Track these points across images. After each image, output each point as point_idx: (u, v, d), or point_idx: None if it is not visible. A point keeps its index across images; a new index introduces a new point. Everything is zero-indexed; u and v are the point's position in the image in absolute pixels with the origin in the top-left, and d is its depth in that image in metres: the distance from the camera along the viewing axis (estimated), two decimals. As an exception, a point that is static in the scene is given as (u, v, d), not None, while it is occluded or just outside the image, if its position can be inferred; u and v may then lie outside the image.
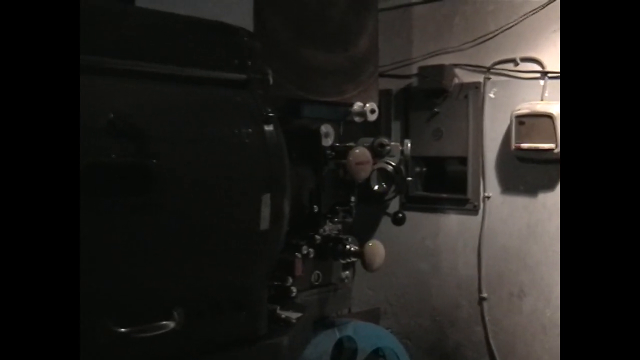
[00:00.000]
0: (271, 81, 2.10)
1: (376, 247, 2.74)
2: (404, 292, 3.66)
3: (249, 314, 2.04)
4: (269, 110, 2.02)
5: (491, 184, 3.32)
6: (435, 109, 3.48)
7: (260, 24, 2.54)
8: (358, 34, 3.04)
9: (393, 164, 3.13)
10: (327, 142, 2.69)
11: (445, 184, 3.57)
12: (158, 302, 1.76)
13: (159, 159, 1.66)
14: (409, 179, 3.32)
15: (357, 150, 2.68)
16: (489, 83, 3.30)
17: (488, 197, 3.33)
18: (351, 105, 2.92)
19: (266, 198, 1.95)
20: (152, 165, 1.64)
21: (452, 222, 3.48)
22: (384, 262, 2.74)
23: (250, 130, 1.95)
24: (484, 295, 3.35)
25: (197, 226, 1.80)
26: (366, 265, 2.73)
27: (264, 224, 1.95)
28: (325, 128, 2.69)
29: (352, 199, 2.80)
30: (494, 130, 3.29)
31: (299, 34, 2.74)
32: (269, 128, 2.01)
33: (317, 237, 2.70)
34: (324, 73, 2.85)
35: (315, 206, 2.62)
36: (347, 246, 2.76)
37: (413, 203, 3.60)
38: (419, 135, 3.52)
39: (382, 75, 3.38)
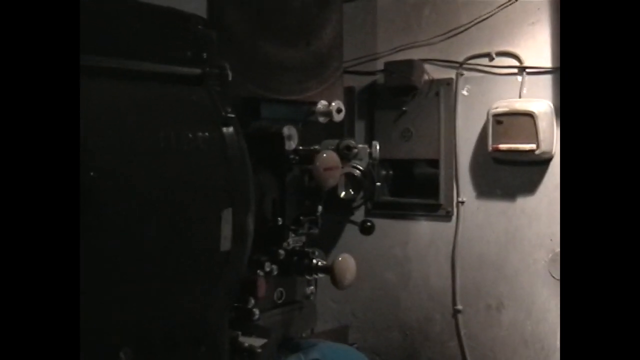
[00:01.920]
0: (230, 76, 1.82)
1: (347, 262, 2.48)
2: (371, 305, 3.40)
3: (209, 348, 1.75)
4: (229, 110, 1.73)
5: (465, 188, 3.09)
6: (404, 108, 3.23)
7: (215, 15, 2.24)
8: (321, 26, 2.78)
9: (361, 168, 2.87)
10: (290, 145, 2.41)
11: (415, 189, 3.33)
12: (101, 342, 1.46)
13: (97, 171, 1.35)
14: (378, 184, 3.06)
15: (325, 155, 2.41)
16: (461, 79, 3.07)
17: (462, 202, 3.10)
18: (315, 104, 2.65)
19: (227, 214, 1.66)
20: (89, 180, 1.33)
21: (423, 229, 3.25)
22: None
23: (207, 134, 1.66)
24: (459, 307, 3.11)
25: (145, 250, 1.50)
26: (336, 282, 2.47)
27: (225, 244, 1.66)
28: (288, 130, 2.41)
29: (319, 208, 2.53)
30: (467, 130, 3.07)
31: (257, 26, 2.47)
32: (228, 131, 1.72)
33: (281, 252, 2.42)
34: (284, 69, 2.59)
35: (279, 218, 2.33)
36: (314, 261, 2.50)
37: (380, 209, 3.35)
38: (386, 136, 3.27)
39: (344, 71, 3.12)
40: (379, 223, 3.24)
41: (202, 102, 1.68)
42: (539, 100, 2.78)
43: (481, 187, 3.05)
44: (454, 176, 3.12)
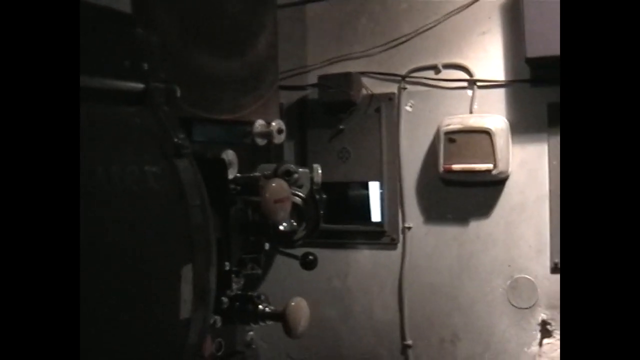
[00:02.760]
0: (178, 92, 1.44)
1: (300, 307, 2.16)
2: (308, 344, 3.06)
3: None
4: (181, 136, 1.35)
5: (412, 213, 2.83)
6: (340, 126, 2.93)
7: (141, 17, 1.84)
8: (255, 34, 2.45)
9: (302, 195, 2.53)
10: (232, 173, 2.05)
11: (355, 214, 3.03)
12: None
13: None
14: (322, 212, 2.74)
15: (274, 185, 2.08)
16: (404, 94, 2.82)
17: (409, 228, 2.83)
18: (251, 123, 2.31)
19: (187, 271, 1.28)
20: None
21: (365, 258, 2.96)
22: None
23: (157, 168, 1.27)
24: (409, 342, 2.85)
25: (86, 324, 1.10)
26: (290, 330, 2.15)
27: (185, 309, 1.28)
28: (228, 155, 2.05)
29: (266, 245, 2.18)
30: (412, 150, 2.81)
31: (188, 32, 2.09)
32: (183, 163, 1.34)
33: (224, 299, 2.06)
34: (218, 83, 2.23)
35: (226, 263, 1.96)
36: (260, 307, 2.14)
37: (315, 238, 3.02)
38: (321, 157, 2.95)
39: (277, 86, 2.81)
40: (316, 253, 2.93)
41: (147, 126, 1.30)
42: (494, 116, 2.57)
43: (430, 211, 2.80)
44: (398, 200, 2.85)
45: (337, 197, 3.08)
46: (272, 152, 3.08)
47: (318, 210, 2.56)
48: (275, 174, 2.43)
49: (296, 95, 3.05)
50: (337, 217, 3.07)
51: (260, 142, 2.31)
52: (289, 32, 3.04)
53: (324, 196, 3.05)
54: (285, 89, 3.04)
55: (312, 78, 2.95)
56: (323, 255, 2.96)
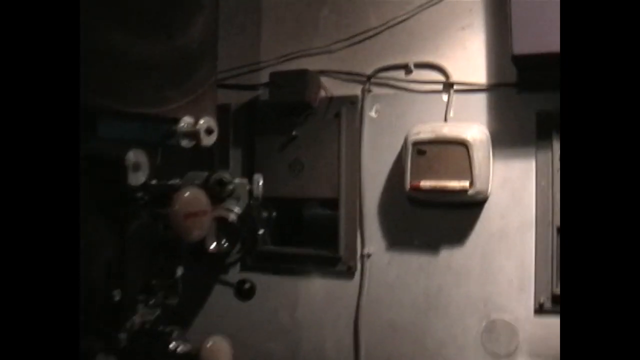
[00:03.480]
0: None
1: (219, 349, 1.73)
2: (249, 385, 2.62)
3: None
4: None
5: (373, 237, 2.41)
6: (294, 132, 2.53)
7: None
8: (190, 13, 2.02)
9: (237, 211, 2.11)
10: (138, 179, 1.61)
11: (307, 236, 2.61)
12: None
13: None
14: (261, 231, 2.31)
15: (188, 194, 1.66)
16: (369, 97, 2.42)
17: (368, 255, 2.42)
18: (177, 121, 1.88)
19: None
20: None
21: (317, 288, 2.53)
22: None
23: None
24: (364, 389, 2.41)
25: None
26: (204, 379, 1.69)
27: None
28: (134, 156, 1.62)
29: (179, 270, 1.74)
30: (376, 162, 2.41)
31: (98, 10, 1.67)
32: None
33: (122, 336, 1.61)
34: (136, 69, 1.82)
35: (114, 292, 1.52)
36: (172, 345, 1.72)
37: (261, 262, 2.60)
38: (270, 168, 2.55)
39: (218, 84, 2.39)
40: (260, 279, 2.50)
41: None
42: (472, 125, 2.17)
43: (394, 235, 2.39)
44: (357, 221, 2.43)
45: (288, 215, 2.67)
46: (215, 159, 2.67)
47: (255, 229, 2.14)
48: (206, 184, 2.01)
49: (246, 96, 2.64)
50: (287, 239, 2.66)
51: (186, 143, 1.89)
52: (242, 22, 2.65)
53: (274, 213, 2.65)
54: (234, 88, 2.64)
55: (266, 76, 2.53)
56: (269, 282, 2.58)
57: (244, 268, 2.60)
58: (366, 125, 2.42)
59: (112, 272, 1.55)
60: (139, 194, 1.64)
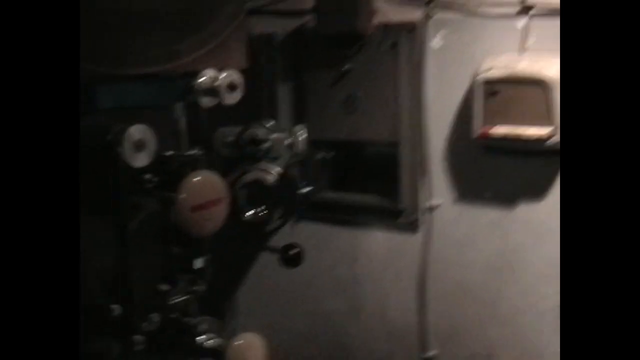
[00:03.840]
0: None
1: (249, 347, 1.50)
2: (305, 339, 2.44)
3: None
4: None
5: (439, 187, 2.13)
6: (346, 66, 2.18)
7: None
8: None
9: (275, 171, 1.84)
10: (142, 159, 1.35)
11: (366, 183, 2.32)
12: None
13: None
14: (306, 189, 2.04)
15: (196, 180, 1.38)
16: (432, 23, 2.05)
17: (434, 207, 2.10)
18: (194, 75, 1.60)
19: None
20: None
21: (378, 242, 2.29)
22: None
23: None
24: (431, 354, 2.21)
25: None
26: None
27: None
28: (135, 133, 1.36)
29: (197, 262, 1.51)
30: (442, 101, 2.09)
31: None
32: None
33: (138, 338, 1.42)
34: (141, 19, 1.53)
35: (112, 307, 1.31)
36: (198, 338, 1.51)
37: (316, 211, 2.34)
38: (321, 106, 2.27)
39: (254, 11, 2.06)
40: (316, 230, 2.31)
41: None
42: (554, 59, 1.76)
43: (463, 186, 2.10)
44: (421, 169, 2.12)
45: (344, 158, 2.38)
46: (263, 100, 2.38)
47: (295, 190, 1.87)
48: (237, 141, 1.74)
49: (291, 24, 2.30)
50: (347, 183, 2.38)
51: (206, 102, 1.60)
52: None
53: (331, 154, 2.36)
54: (276, 14, 2.30)
55: (310, 1, 2.18)
56: (326, 233, 2.35)
57: (297, 218, 2.36)
58: (429, 57, 2.06)
59: (110, 282, 1.33)
60: (147, 176, 1.39)
